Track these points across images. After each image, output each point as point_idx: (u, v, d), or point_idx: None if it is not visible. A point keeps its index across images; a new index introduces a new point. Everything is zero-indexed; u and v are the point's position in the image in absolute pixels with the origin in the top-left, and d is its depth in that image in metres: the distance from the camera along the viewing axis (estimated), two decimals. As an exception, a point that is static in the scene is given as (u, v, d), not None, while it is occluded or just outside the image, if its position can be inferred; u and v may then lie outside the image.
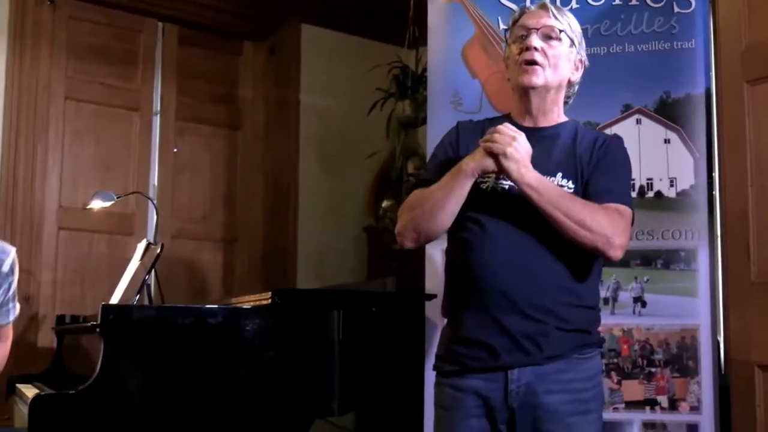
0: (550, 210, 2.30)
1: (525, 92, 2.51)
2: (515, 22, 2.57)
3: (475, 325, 2.40)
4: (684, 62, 3.63)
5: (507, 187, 2.42)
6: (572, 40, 2.52)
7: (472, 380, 2.40)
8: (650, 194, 3.56)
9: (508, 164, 2.31)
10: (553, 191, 2.33)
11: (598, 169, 2.43)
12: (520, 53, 2.49)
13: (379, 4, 5.68)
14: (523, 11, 2.58)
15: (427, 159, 3.75)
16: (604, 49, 3.66)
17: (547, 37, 2.48)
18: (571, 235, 2.31)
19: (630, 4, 3.70)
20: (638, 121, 3.60)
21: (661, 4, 3.67)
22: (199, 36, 5.62)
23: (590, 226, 2.30)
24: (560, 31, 2.49)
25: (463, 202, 2.40)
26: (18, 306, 3.45)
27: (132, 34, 5.39)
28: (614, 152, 2.49)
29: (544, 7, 2.54)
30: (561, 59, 2.50)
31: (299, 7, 5.79)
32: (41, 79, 4.88)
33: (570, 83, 2.56)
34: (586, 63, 2.59)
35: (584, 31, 3.58)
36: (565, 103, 2.60)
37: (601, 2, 3.74)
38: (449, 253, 2.56)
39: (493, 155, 2.32)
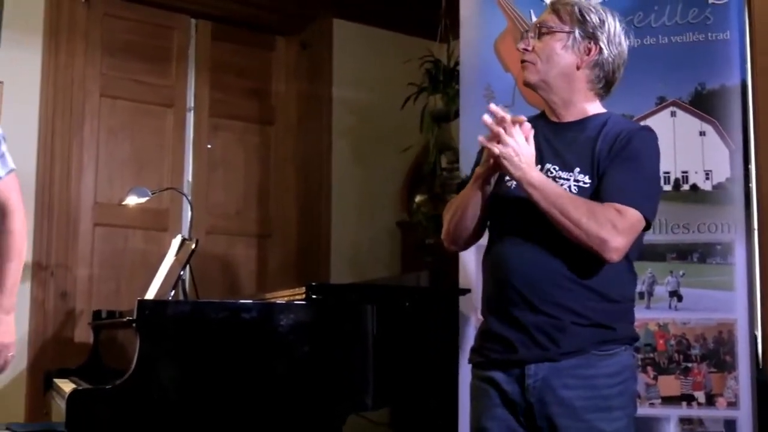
0: (548, 209, 2.31)
1: (534, 89, 2.56)
2: None
3: (496, 320, 2.45)
4: (719, 53, 3.59)
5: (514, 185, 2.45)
6: (569, 30, 2.48)
7: (494, 372, 2.45)
8: (686, 187, 3.53)
9: (506, 165, 2.32)
10: (553, 191, 2.33)
11: (613, 164, 2.40)
12: None
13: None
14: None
15: (461, 153, 3.77)
16: (637, 41, 3.62)
17: (540, 33, 2.51)
18: (567, 235, 2.31)
19: (664, -6, 3.67)
20: (673, 114, 3.57)
21: (696, -6, 3.63)
22: (231, 31, 5.64)
23: (586, 227, 2.29)
24: (550, 26, 2.49)
25: (480, 205, 2.48)
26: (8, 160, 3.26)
27: (165, 30, 5.41)
28: (634, 145, 2.42)
29: (552, 4, 2.56)
30: (552, 51, 2.48)
31: (331, 1, 5.79)
32: (76, 76, 4.91)
33: (586, 67, 2.49)
34: (602, 44, 2.48)
35: (617, 23, 3.60)
36: (605, 87, 2.54)
37: (636, -7, 3.71)
38: (485, 251, 2.60)
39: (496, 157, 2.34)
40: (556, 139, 2.50)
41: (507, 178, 2.44)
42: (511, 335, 2.39)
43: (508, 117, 2.34)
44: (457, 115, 4.52)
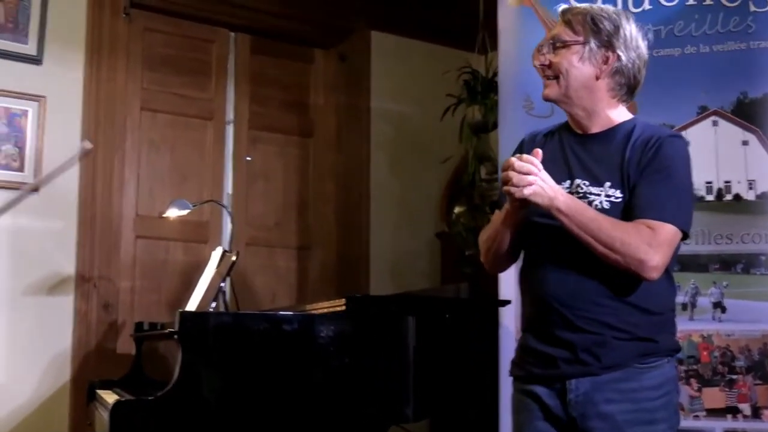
0: (580, 234, 2.30)
1: (556, 104, 2.56)
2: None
3: (536, 339, 2.45)
4: (761, 62, 3.55)
5: None
6: (583, 41, 2.45)
7: (536, 386, 2.45)
8: (728, 197, 3.50)
9: (534, 200, 2.30)
10: (582, 216, 2.30)
11: (643, 176, 2.36)
12: None
13: (448, 10, 5.68)
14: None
15: (500, 164, 3.75)
16: (678, 51, 3.61)
17: (555, 48, 2.48)
18: (604, 259, 2.30)
19: (704, 3, 3.65)
20: (715, 123, 3.54)
21: (737, 3, 3.60)
22: (270, 45, 5.67)
23: (620, 250, 2.27)
24: (563, 40, 2.46)
25: (512, 236, 2.51)
26: None
27: (205, 44, 5.46)
28: (664, 153, 2.38)
29: (562, 14, 2.54)
30: (570, 65, 2.45)
31: (369, 14, 5.82)
32: (118, 90, 4.96)
33: (606, 76, 2.46)
34: (620, 51, 2.45)
35: (657, 32, 3.60)
36: (628, 92, 2.51)
37: (675, 3, 3.69)
38: (520, 268, 2.61)
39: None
40: (583, 152, 2.49)
41: None
42: (553, 352, 2.39)
43: (513, 160, 2.31)
44: (495, 125, 4.51)
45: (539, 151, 2.33)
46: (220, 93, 5.48)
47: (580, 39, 2.45)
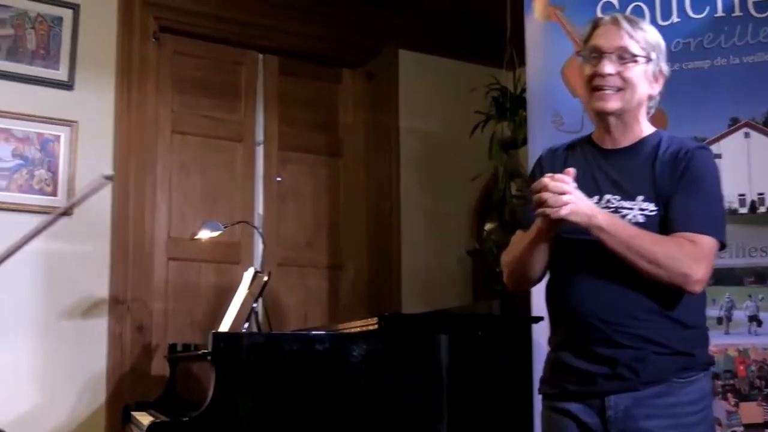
0: (621, 251, 2.27)
1: (600, 116, 2.48)
2: (587, 39, 2.51)
3: (572, 355, 2.41)
4: (792, 72, 3.53)
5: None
6: (648, 56, 2.44)
7: (571, 404, 2.40)
8: (762, 209, 3.46)
9: (572, 220, 2.27)
10: (624, 232, 2.28)
11: (677, 189, 2.36)
12: (591, 78, 2.45)
13: (476, 27, 5.69)
14: (596, 25, 2.51)
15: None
16: (708, 63, 3.59)
17: (622, 59, 2.42)
18: (647, 275, 2.28)
19: (733, 15, 3.62)
20: (746, 135, 3.51)
21: (766, 14, 3.57)
22: (298, 65, 5.70)
23: (665, 264, 2.26)
24: (633, 53, 2.42)
25: (546, 254, 2.45)
26: None
27: (233, 66, 5.49)
28: (696, 165, 2.38)
29: (616, 22, 2.47)
30: (638, 79, 2.43)
31: (396, 32, 5.84)
32: (148, 114, 5.00)
33: (650, 97, 2.50)
34: (666, 73, 2.50)
35: (687, 45, 3.58)
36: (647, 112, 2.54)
37: (703, 15, 3.67)
38: (547, 285, 2.57)
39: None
40: (609, 166, 2.47)
41: None
42: (591, 368, 2.36)
43: (546, 181, 2.28)
44: (525, 141, 4.51)
45: (572, 170, 2.31)
46: (249, 114, 5.52)
47: (643, 54, 2.44)
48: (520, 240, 2.53)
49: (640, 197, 2.38)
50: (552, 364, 2.51)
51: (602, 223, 2.27)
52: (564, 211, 2.24)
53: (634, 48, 2.43)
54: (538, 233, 2.41)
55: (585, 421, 2.37)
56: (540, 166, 2.59)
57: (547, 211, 2.26)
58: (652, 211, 2.36)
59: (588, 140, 2.57)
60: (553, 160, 2.56)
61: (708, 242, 2.31)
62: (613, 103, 2.43)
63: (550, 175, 2.30)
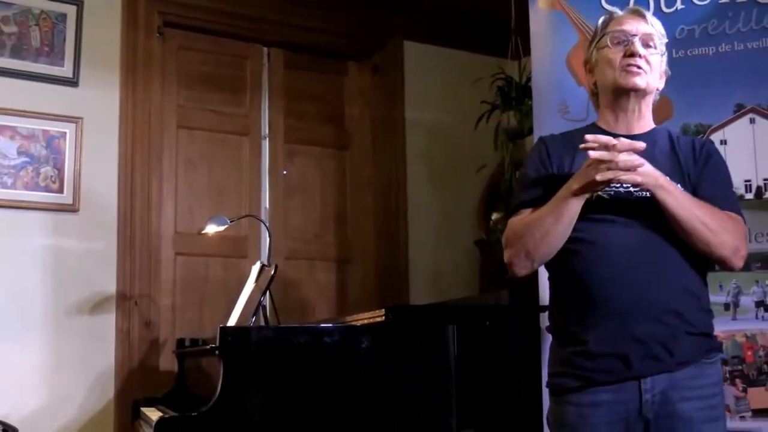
0: (684, 215, 2.29)
1: (624, 94, 2.50)
2: (606, 25, 2.58)
3: (601, 338, 2.34)
4: (797, 57, 3.51)
5: (613, 193, 2.38)
6: (662, 51, 2.54)
7: (600, 394, 2.35)
8: (768, 195, 3.45)
9: (644, 180, 2.29)
10: (686, 195, 2.32)
11: (705, 174, 2.43)
12: (624, 56, 2.48)
13: (480, 17, 5.67)
14: (613, 16, 2.59)
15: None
16: (712, 49, 3.57)
17: (646, 45, 2.49)
18: (703, 241, 2.30)
19: (738, 1, 3.60)
20: (752, 121, 3.50)
21: (770, -1, 3.56)
22: (303, 59, 5.69)
23: (721, 234, 2.30)
24: (656, 42, 2.52)
25: (574, 223, 2.38)
26: None
27: (239, 60, 5.49)
28: (716, 157, 2.50)
29: (638, 13, 2.57)
30: (656, 67, 2.52)
31: (401, 24, 5.82)
32: (154, 109, 4.99)
33: (657, 90, 2.59)
34: (669, 73, 2.61)
35: (691, 32, 3.57)
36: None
37: (707, 1, 3.65)
38: (557, 267, 2.49)
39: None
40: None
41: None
42: (627, 349, 2.31)
43: (612, 140, 2.29)
44: (531, 131, 4.49)
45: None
46: (255, 108, 5.51)
47: (662, 48, 2.55)
48: (535, 214, 2.45)
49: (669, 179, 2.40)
50: (571, 354, 2.42)
51: (666, 184, 2.30)
52: (639, 170, 2.26)
53: (656, 38, 2.52)
54: (577, 193, 2.34)
55: (618, 407, 2.33)
56: (545, 149, 2.57)
57: (621, 175, 2.25)
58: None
59: (593, 129, 2.57)
60: (562, 143, 2.56)
61: (743, 223, 2.40)
62: (641, 80, 2.47)
63: (608, 138, 2.29)
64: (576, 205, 2.35)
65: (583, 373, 2.38)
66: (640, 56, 2.46)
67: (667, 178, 2.33)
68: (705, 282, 2.42)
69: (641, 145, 2.27)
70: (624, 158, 2.25)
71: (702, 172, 2.43)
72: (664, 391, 2.30)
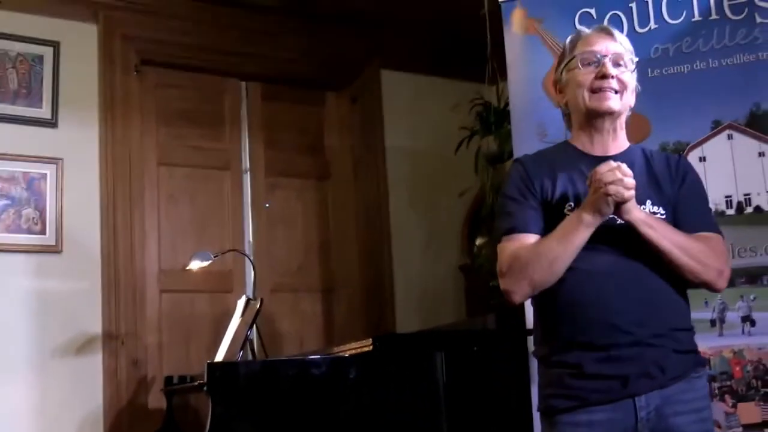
0: (666, 247, 2.32)
1: (599, 117, 2.49)
2: (575, 44, 2.55)
3: (595, 360, 2.34)
4: (771, 72, 3.54)
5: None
6: (632, 68, 2.52)
7: (595, 413, 2.34)
8: (749, 210, 3.46)
9: (629, 212, 2.30)
10: (665, 226, 2.35)
11: (683, 194, 2.45)
12: (596, 78, 2.46)
13: (456, 44, 5.70)
14: (580, 35, 2.57)
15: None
16: (687, 67, 3.59)
17: (617, 64, 2.48)
18: (686, 269, 2.33)
19: (710, 18, 3.63)
20: (730, 137, 3.52)
21: (742, 15, 3.58)
22: (281, 90, 5.71)
23: (703, 260, 2.34)
24: (626, 60, 2.50)
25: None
26: None
27: (216, 95, 5.50)
28: (692, 175, 2.51)
29: (606, 31, 2.55)
30: (630, 85, 2.50)
31: (377, 53, 5.85)
32: (134, 147, 4.99)
33: (630, 107, 2.56)
34: (639, 89, 2.57)
35: (666, 50, 3.60)
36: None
37: (681, 20, 3.67)
38: (543, 293, 2.45)
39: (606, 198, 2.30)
40: None
41: (568, 210, 2.42)
42: (619, 370, 2.31)
43: (616, 163, 2.29)
44: (510, 155, 4.50)
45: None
46: (235, 142, 5.52)
47: (632, 65, 2.52)
48: (541, 243, 2.42)
49: (648, 201, 2.42)
50: (564, 375, 2.40)
51: (649, 220, 2.33)
52: (631, 193, 2.28)
53: (626, 55, 2.51)
54: (586, 222, 2.33)
55: (614, 425, 2.33)
56: (524, 171, 2.54)
57: (621, 191, 2.26)
58: (662, 215, 2.41)
59: (569, 147, 2.58)
60: (539, 163, 2.56)
61: (722, 242, 2.43)
62: (614, 103, 2.47)
63: (611, 162, 2.31)
64: (587, 234, 2.35)
65: (576, 393, 2.37)
66: (612, 77, 2.45)
67: (647, 211, 2.36)
68: (687, 301, 2.44)
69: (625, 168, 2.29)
70: (629, 181, 2.27)
71: (680, 191, 2.45)
72: (658, 407, 2.32)
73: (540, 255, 2.39)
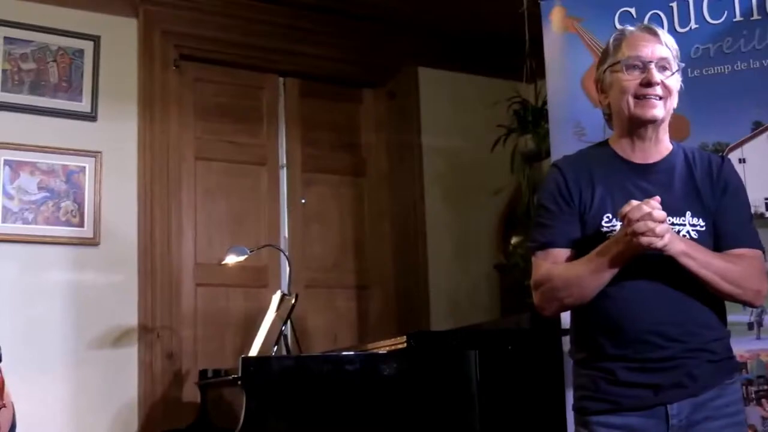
0: (704, 274, 2.31)
1: (641, 125, 2.46)
2: (619, 44, 2.50)
3: (626, 368, 2.36)
4: (813, 72, 3.50)
5: None
6: (679, 68, 2.48)
7: (628, 417, 2.36)
8: (788, 213, 3.43)
9: (668, 249, 2.26)
10: (705, 256, 2.32)
11: (724, 204, 2.41)
12: (641, 85, 2.43)
13: (494, 41, 5.68)
14: (624, 34, 2.51)
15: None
16: (728, 68, 3.55)
17: (662, 68, 2.44)
18: (724, 293, 2.35)
19: (751, 19, 3.60)
20: (770, 138, 3.49)
21: (784, 16, 3.56)
22: (319, 87, 5.72)
23: (743, 284, 2.34)
24: (672, 63, 2.46)
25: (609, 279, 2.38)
26: None
27: (254, 91, 5.52)
28: (734, 182, 2.46)
29: (651, 31, 2.49)
30: (676, 90, 2.46)
31: (415, 50, 5.84)
32: (171, 141, 5.02)
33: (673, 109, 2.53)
34: (682, 88, 2.51)
35: (706, 50, 3.56)
36: None
37: (722, 20, 3.64)
38: (585, 305, 2.45)
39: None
40: (648, 183, 2.44)
41: (608, 228, 2.40)
42: (651, 379, 2.33)
43: (649, 210, 2.23)
44: (548, 154, 4.48)
45: (658, 198, 2.27)
46: (272, 138, 5.53)
47: (678, 66, 2.48)
48: (574, 269, 2.42)
49: (689, 213, 2.39)
50: (598, 379, 2.42)
51: (688, 250, 2.29)
52: (664, 241, 2.23)
53: (671, 59, 2.46)
54: (620, 259, 2.32)
55: (645, 431, 2.35)
56: (563, 179, 2.52)
57: (654, 241, 2.22)
58: (702, 226, 2.39)
59: (608, 152, 2.54)
60: (578, 167, 2.53)
61: (761, 257, 2.42)
62: (659, 111, 2.43)
63: (645, 200, 2.26)
64: (619, 268, 2.34)
65: (612, 398, 2.39)
66: (657, 84, 2.41)
67: (685, 239, 2.32)
68: (724, 311, 2.43)
69: (659, 212, 2.23)
70: (659, 228, 2.22)
71: (721, 202, 2.41)
72: (690, 415, 2.32)
73: (571, 284, 2.41)
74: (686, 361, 2.32)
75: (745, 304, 2.39)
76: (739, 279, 2.33)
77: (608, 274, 2.34)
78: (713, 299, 2.37)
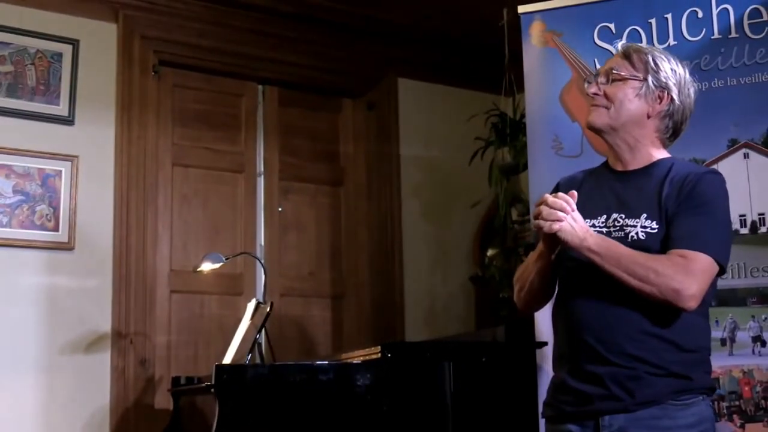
0: (613, 271, 2.30)
1: (597, 132, 2.56)
2: None
3: (569, 375, 2.42)
4: (790, 92, 3.53)
5: None
6: (641, 77, 2.49)
7: (568, 425, 2.41)
8: (763, 229, 3.45)
9: (563, 237, 2.32)
10: (614, 252, 2.31)
11: (681, 209, 2.38)
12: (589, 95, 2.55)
13: (474, 54, 5.71)
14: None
15: (531, 205, 3.74)
16: (705, 85, 3.58)
17: (611, 79, 2.50)
18: (640, 293, 2.30)
19: (729, 37, 3.63)
20: (746, 155, 3.51)
21: (762, 35, 3.58)
22: (298, 96, 5.72)
23: (655, 281, 2.27)
24: (620, 72, 2.50)
25: (548, 273, 2.51)
26: None
27: (233, 98, 5.51)
28: (702, 189, 2.40)
29: (620, 50, 2.58)
30: (625, 98, 2.48)
31: (395, 61, 5.86)
32: (149, 147, 5.00)
33: (657, 116, 2.50)
34: (674, 94, 2.50)
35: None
36: (672, 136, 2.55)
37: (700, 37, 3.68)
38: (553, 306, 2.60)
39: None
40: (621, 187, 2.50)
41: None
42: (586, 388, 2.36)
43: (547, 196, 2.35)
44: (525, 167, 4.51)
45: (575, 193, 2.37)
46: (250, 146, 5.53)
47: (640, 75, 2.50)
48: (529, 259, 2.60)
49: (644, 215, 2.41)
50: (553, 387, 2.52)
51: (592, 245, 2.31)
52: (555, 226, 2.31)
53: (624, 69, 2.51)
54: (540, 251, 2.48)
55: None
56: (557, 191, 2.58)
57: (540, 223, 2.33)
58: (653, 228, 2.38)
59: (606, 165, 2.63)
60: (570, 186, 2.57)
61: (704, 259, 2.31)
62: (596, 117, 2.52)
63: (554, 194, 2.37)
64: (543, 263, 2.48)
65: (557, 404, 2.46)
66: (596, 94, 2.51)
67: (598, 236, 2.35)
68: (689, 321, 2.35)
69: (562, 202, 2.31)
70: (544, 211, 2.32)
71: (678, 208, 2.38)
72: (622, 428, 2.31)
73: (517, 276, 2.63)
74: (619, 370, 2.31)
75: (672, 306, 2.28)
76: (653, 276, 2.26)
77: (540, 262, 2.49)
78: (665, 310, 2.32)
